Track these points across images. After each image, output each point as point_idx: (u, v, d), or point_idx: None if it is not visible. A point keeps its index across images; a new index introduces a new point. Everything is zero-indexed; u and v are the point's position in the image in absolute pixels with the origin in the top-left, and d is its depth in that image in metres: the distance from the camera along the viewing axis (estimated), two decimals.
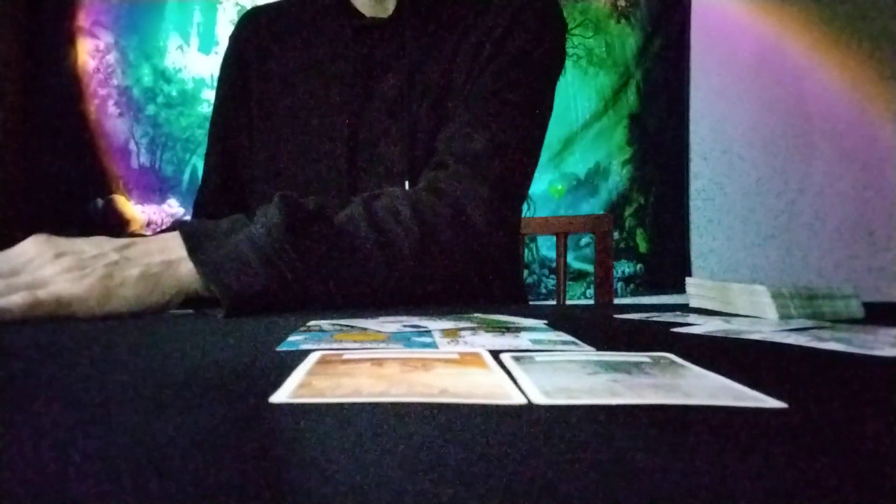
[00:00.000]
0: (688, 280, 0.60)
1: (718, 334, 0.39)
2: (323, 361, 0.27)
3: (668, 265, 2.24)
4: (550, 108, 0.79)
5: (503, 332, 0.37)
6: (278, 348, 0.32)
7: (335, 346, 0.32)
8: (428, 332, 0.37)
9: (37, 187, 1.84)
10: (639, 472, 0.15)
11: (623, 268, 2.22)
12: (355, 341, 0.33)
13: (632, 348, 0.31)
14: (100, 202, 1.89)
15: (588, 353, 0.30)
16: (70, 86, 1.87)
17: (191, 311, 0.53)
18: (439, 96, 0.75)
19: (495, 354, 0.29)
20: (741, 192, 2.30)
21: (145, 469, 0.15)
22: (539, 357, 0.29)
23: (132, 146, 1.91)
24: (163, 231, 0.55)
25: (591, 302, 1.98)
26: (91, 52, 1.89)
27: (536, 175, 0.79)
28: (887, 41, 2.37)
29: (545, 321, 0.42)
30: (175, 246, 0.51)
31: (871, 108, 2.38)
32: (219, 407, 0.21)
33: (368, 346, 0.32)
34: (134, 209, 1.91)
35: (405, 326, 0.39)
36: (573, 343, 0.33)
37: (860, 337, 0.36)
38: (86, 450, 0.17)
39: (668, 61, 2.26)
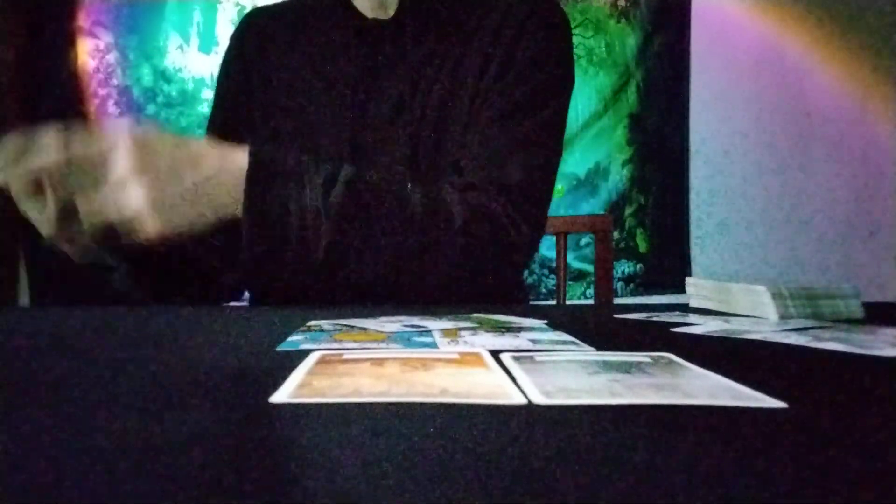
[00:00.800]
0: (688, 280, 0.60)
1: (718, 334, 0.39)
2: (323, 361, 0.27)
3: (668, 265, 2.24)
4: (566, 119, 0.80)
5: (503, 332, 0.37)
6: (278, 348, 0.32)
7: (335, 346, 0.32)
8: (428, 332, 0.37)
9: None
10: (639, 472, 0.15)
11: (623, 268, 2.22)
12: (355, 341, 0.33)
13: (632, 348, 0.31)
14: None
15: (588, 353, 0.30)
16: (70, 86, 1.87)
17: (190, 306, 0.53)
18: (442, 99, 0.75)
19: (495, 354, 0.29)
20: (741, 192, 2.30)
21: (145, 469, 0.15)
22: (539, 357, 0.29)
23: None
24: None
25: (591, 302, 1.98)
26: (91, 52, 1.89)
27: None
28: (887, 41, 2.37)
29: (545, 321, 0.42)
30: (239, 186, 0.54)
31: (871, 108, 2.38)
32: (219, 407, 0.21)
33: (368, 346, 0.32)
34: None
35: (405, 326, 0.39)
36: (573, 343, 0.33)
37: (860, 337, 0.36)
38: (85, 449, 0.17)
39: (668, 61, 2.26)
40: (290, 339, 0.34)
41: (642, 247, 2.24)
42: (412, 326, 0.39)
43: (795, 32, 2.33)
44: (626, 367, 0.26)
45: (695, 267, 2.26)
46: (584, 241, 2.10)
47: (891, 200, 2.39)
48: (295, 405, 0.21)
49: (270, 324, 0.43)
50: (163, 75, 1.93)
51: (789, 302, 0.47)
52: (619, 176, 2.22)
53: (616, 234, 2.20)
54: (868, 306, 0.50)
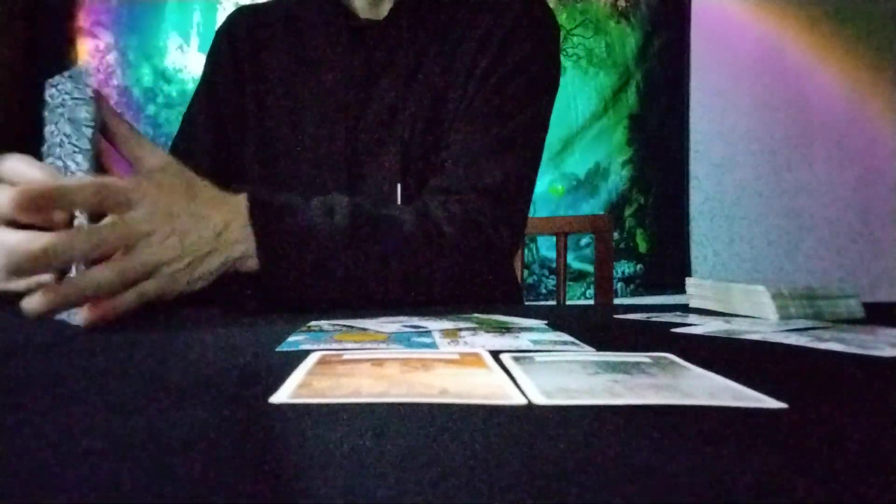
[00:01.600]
0: (688, 280, 0.60)
1: (718, 334, 0.39)
2: (323, 362, 0.27)
3: (668, 265, 2.24)
4: (548, 121, 0.80)
5: (503, 333, 0.37)
6: (278, 349, 0.32)
7: (335, 346, 0.32)
8: (428, 333, 0.37)
9: None
10: (639, 472, 0.15)
11: (623, 268, 2.22)
12: (356, 341, 0.33)
13: (632, 348, 0.31)
14: None
15: (588, 353, 0.30)
16: None
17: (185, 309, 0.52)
18: (435, 101, 0.75)
19: (495, 355, 0.29)
20: (741, 192, 2.30)
21: (145, 469, 0.15)
22: (539, 357, 0.29)
23: None
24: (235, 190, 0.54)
25: (591, 302, 1.98)
26: (91, 52, 1.89)
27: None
28: (887, 41, 2.37)
29: (545, 321, 0.42)
30: (249, 236, 0.51)
31: (871, 108, 2.38)
32: (219, 407, 0.21)
33: (369, 346, 0.32)
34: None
35: (405, 327, 0.39)
36: (573, 343, 0.33)
37: (860, 337, 0.36)
38: (85, 450, 0.17)
39: (668, 61, 2.26)
40: (289, 339, 0.34)
41: (642, 247, 2.24)
42: (412, 327, 0.39)
43: (795, 32, 2.33)
44: (626, 368, 0.26)
45: (695, 267, 2.26)
46: (584, 241, 2.10)
47: (891, 200, 2.39)
48: (295, 405, 0.21)
49: (270, 324, 0.43)
50: (163, 75, 1.93)
51: (789, 302, 0.47)
52: (619, 176, 2.22)
53: (616, 234, 2.19)
54: (868, 306, 0.50)
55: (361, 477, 0.14)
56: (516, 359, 0.28)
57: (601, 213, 2.12)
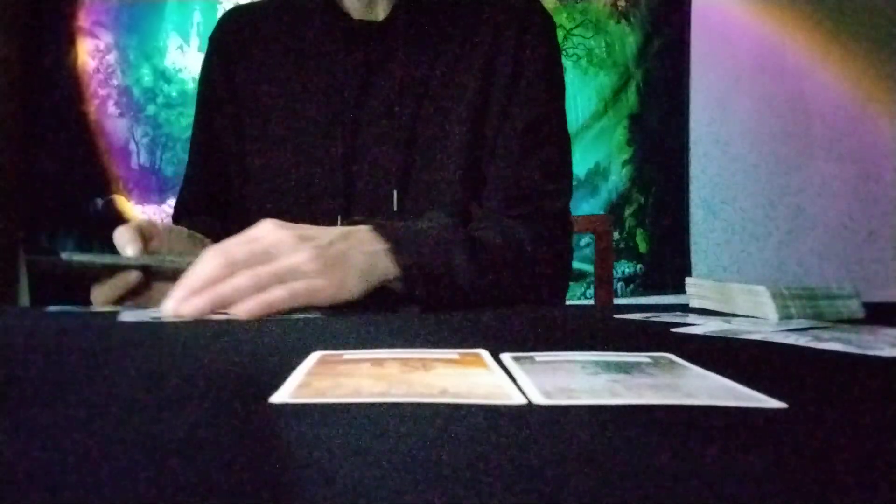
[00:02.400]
0: (688, 280, 0.60)
1: (718, 334, 0.39)
2: (323, 361, 0.27)
3: (668, 265, 2.24)
4: None
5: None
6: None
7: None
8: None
9: (37, 187, 1.84)
10: (639, 472, 0.15)
11: (623, 268, 2.21)
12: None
13: (632, 349, 0.31)
14: (100, 202, 1.88)
15: (588, 353, 0.30)
16: (70, 86, 1.87)
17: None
18: (435, 103, 0.75)
19: (495, 354, 0.29)
20: (741, 192, 2.30)
21: (145, 469, 0.15)
22: (539, 357, 0.29)
23: (132, 146, 1.91)
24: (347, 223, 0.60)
25: (591, 302, 1.98)
26: (91, 52, 1.89)
27: None
28: (887, 41, 2.37)
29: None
30: (372, 238, 0.56)
31: (871, 108, 2.38)
32: (219, 407, 0.21)
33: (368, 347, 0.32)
34: (134, 209, 1.91)
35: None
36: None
37: (860, 337, 0.36)
38: (85, 450, 0.17)
39: (668, 61, 2.26)
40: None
41: (642, 247, 2.24)
42: None
43: (796, 32, 2.33)
44: (626, 368, 0.26)
45: (695, 267, 2.26)
46: (584, 241, 2.10)
47: (891, 200, 2.39)
48: (295, 405, 0.21)
49: (270, 324, 0.43)
50: (163, 75, 1.93)
51: (789, 302, 0.47)
52: (619, 176, 2.22)
53: (616, 234, 2.19)
54: (868, 306, 0.50)
55: (361, 477, 0.14)
56: (516, 359, 0.28)
57: (601, 213, 2.12)
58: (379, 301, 0.55)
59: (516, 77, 0.76)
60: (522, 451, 0.16)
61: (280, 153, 0.77)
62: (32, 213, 1.83)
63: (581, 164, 2.16)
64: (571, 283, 2.13)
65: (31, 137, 1.84)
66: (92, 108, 1.88)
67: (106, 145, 1.89)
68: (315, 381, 0.24)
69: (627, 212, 2.22)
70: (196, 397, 0.22)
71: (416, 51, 0.76)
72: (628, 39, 2.23)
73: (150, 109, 1.92)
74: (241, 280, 0.48)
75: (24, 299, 1.78)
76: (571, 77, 2.17)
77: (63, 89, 1.86)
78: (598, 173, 2.19)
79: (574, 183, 0.82)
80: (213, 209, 0.83)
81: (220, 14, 1.97)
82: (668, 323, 0.44)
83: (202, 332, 0.41)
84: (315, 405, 0.21)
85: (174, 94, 1.93)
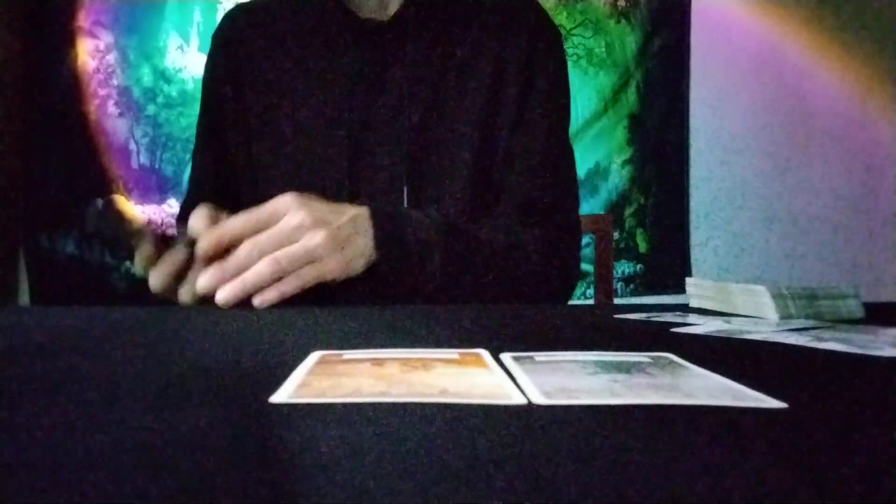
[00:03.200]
0: (688, 280, 0.60)
1: (718, 334, 0.39)
2: (323, 361, 0.27)
3: (668, 265, 2.24)
4: None
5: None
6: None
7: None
8: None
9: (37, 187, 1.84)
10: (639, 472, 0.15)
11: (623, 268, 2.21)
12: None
13: (632, 348, 0.31)
14: (100, 202, 1.88)
15: (588, 353, 0.30)
16: (70, 86, 1.87)
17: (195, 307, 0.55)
18: (444, 103, 0.75)
19: (495, 354, 0.29)
20: (741, 192, 2.30)
21: (145, 469, 0.15)
22: (539, 357, 0.29)
23: (132, 146, 1.91)
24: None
25: (591, 302, 1.98)
26: (91, 52, 1.89)
27: None
28: (887, 41, 2.37)
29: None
30: (370, 225, 0.60)
31: (871, 108, 2.38)
32: (219, 407, 0.21)
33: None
34: (134, 209, 1.91)
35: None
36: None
37: (860, 337, 0.36)
38: (85, 449, 0.17)
39: (668, 61, 2.26)
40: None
41: (642, 247, 2.24)
42: None
43: (795, 32, 2.33)
44: (626, 368, 0.26)
45: (695, 267, 2.26)
46: (584, 241, 2.10)
47: (891, 200, 2.39)
48: (295, 405, 0.21)
49: (270, 324, 0.43)
50: (163, 75, 1.93)
51: (789, 302, 0.47)
52: (619, 176, 2.22)
53: (616, 234, 2.19)
54: (868, 306, 0.50)
55: (361, 477, 0.14)
56: (516, 358, 0.28)
57: (601, 213, 2.12)
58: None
59: (528, 86, 0.77)
60: (522, 451, 0.16)
61: (287, 155, 0.77)
62: (33, 213, 1.83)
63: (581, 164, 2.16)
64: None
65: (31, 137, 1.84)
66: (92, 108, 1.88)
67: (106, 145, 1.89)
68: (315, 381, 0.24)
69: (627, 212, 2.22)
70: (196, 397, 0.22)
71: (425, 50, 0.76)
72: (628, 39, 2.23)
73: (150, 109, 1.92)
74: (264, 269, 0.54)
75: (24, 299, 1.79)
76: (571, 77, 2.17)
77: (63, 89, 1.86)
78: (598, 173, 2.19)
79: None
80: (219, 207, 0.83)
81: (220, 14, 1.98)
82: (668, 323, 0.44)
83: (202, 332, 0.41)
84: (315, 405, 0.21)
85: (174, 94, 1.93)
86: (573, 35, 2.18)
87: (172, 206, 1.91)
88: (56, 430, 0.18)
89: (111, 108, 1.90)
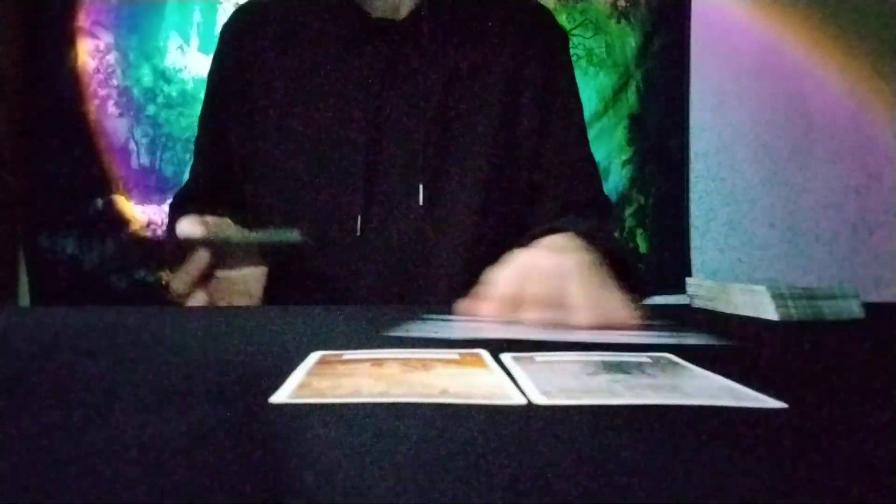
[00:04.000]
0: (688, 280, 0.60)
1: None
2: (323, 361, 0.27)
3: (668, 265, 2.24)
4: None
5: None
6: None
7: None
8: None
9: (37, 187, 1.84)
10: (639, 472, 0.15)
11: None
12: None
13: (632, 348, 0.31)
14: (100, 202, 1.88)
15: (588, 354, 0.30)
16: (70, 86, 1.87)
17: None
18: (463, 104, 0.75)
19: (495, 354, 0.29)
20: (741, 192, 2.30)
21: (145, 468, 0.15)
22: (539, 357, 0.29)
23: (132, 146, 1.91)
24: None
25: None
26: (91, 52, 1.89)
27: None
28: (887, 41, 2.37)
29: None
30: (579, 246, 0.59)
31: (871, 108, 2.38)
32: (219, 407, 0.21)
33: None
34: (134, 209, 1.91)
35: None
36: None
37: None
38: (86, 449, 0.17)
39: (668, 61, 2.26)
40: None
41: (642, 247, 2.24)
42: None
43: (795, 32, 2.33)
44: (626, 368, 0.26)
45: (695, 267, 2.26)
46: None
47: (890, 200, 2.39)
48: (295, 405, 0.21)
49: (271, 324, 0.43)
50: (163, 75, 1.93)
51: (789, 302, 0.47)
52: (619, 176, 2.22)
53: (616, 235, 2.19)
54: (868, 306, 0.50)
55: (361, 477, 0.14)
56: (516, 359, 0.28)
57: None
58: None
59: (549, 87, 0.78)
60: (522, 451, 0.16)
61: (300, 150, 0.77)
62: (33, 213, 1.83)
63: None
64: None
65: (31, 137, 1.84)
66: (92, 108, 1.88)
67: (106, 145, 1.89)
68: (315, 381, 0.24)
69: (627, 212, 2.22)
70: (196, 397, 0.22)
71: (440, 48, 0.76)
72: (628, 39, 2.23)
73: (150, 109, 1.91)
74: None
75: (24, 299, 1.78)
76: None
77: (63, 89, 1.86)
78: None
79: None
80: (217, 202, 0.82)
81: (220, 14, 1.98)
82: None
83: (202, 332, 0.41)
84: (315, 405, 0.21)
85: (174, 94, 1.93)
86: (573, 35, 2.18)
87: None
88: (57, 429, 0.18)
89: (111, 109, 1.90)
